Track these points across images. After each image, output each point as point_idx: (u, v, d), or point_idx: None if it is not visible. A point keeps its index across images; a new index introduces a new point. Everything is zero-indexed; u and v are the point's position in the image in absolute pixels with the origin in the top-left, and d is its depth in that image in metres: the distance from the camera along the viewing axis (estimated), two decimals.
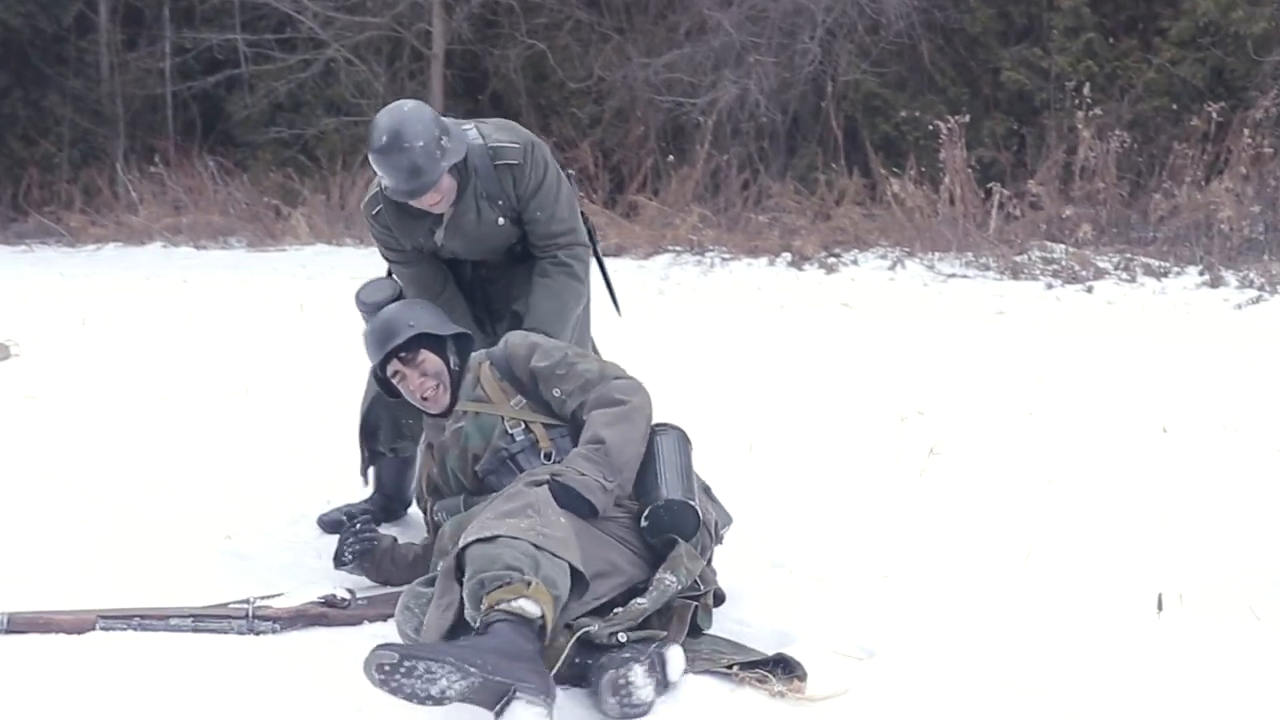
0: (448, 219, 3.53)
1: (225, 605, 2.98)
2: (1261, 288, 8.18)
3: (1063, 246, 9.43)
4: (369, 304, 3.61)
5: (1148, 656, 2.71)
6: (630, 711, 2.45)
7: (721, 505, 3.15)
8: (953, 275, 9.19)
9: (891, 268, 9.50)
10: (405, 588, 2.88)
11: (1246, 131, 9.23)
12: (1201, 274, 8.63)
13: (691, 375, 5.62)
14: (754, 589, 3.12)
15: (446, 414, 3.22)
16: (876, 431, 4.76)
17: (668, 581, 2.74)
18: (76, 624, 2.88)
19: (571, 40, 12.90)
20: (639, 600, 2.70)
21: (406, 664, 2.33)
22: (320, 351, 6.21)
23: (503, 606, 2.46)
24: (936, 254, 9.66)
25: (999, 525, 3.67)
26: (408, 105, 3.43)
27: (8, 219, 13.95)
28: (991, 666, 2.64)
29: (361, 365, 3.55)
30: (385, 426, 3.68)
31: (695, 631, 2.78)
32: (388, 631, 2.83)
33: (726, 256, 10.29)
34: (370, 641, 2.77)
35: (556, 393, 3.10)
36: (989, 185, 9.99)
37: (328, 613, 2.99)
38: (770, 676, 2.56)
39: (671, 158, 11.59)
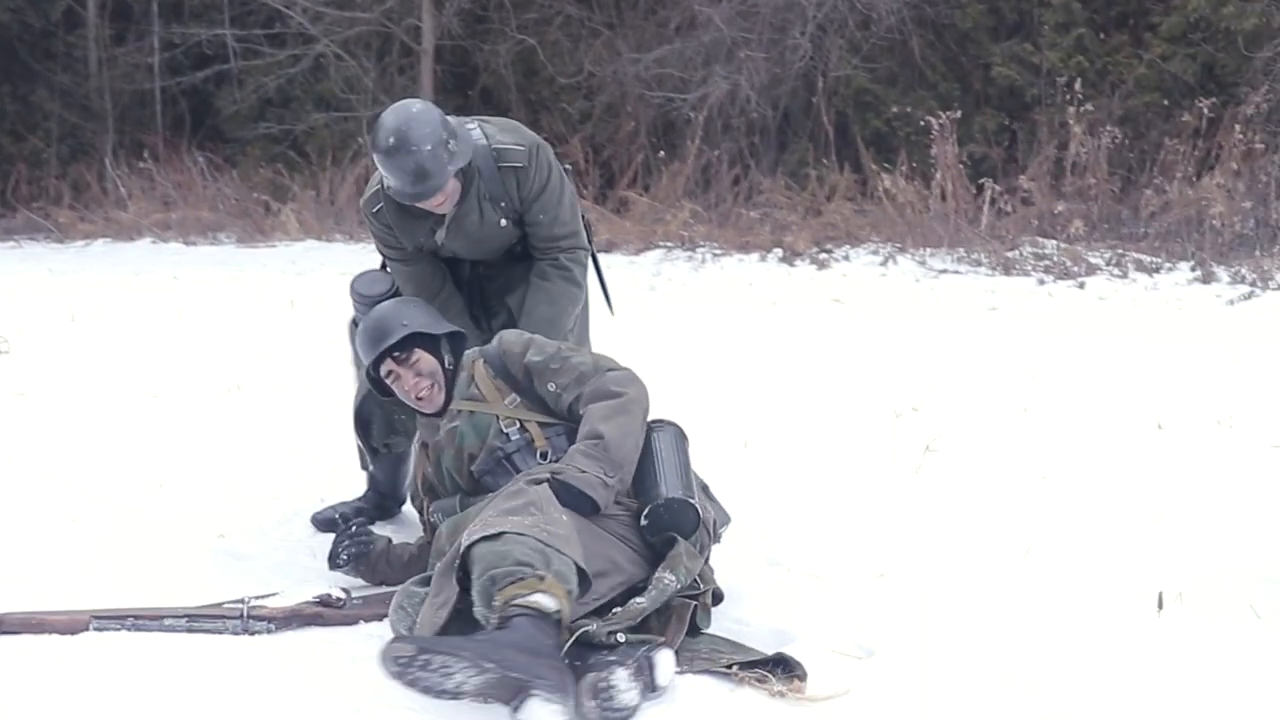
0: (450, 219, 3.50)
1: (220, 605, 2.96)
2: (1253, 283, 8.19)
3: (1054, 242, 9.43)
4: (365, 296, 3.58)
5: (1148, 654, 2.70)
6: (610, 715, 2.40)
7: (720, 504, 3.14)
8: (944, 271, 9.19)
9: (883, 263, 9.49)
10: (399, 587, 2.86)
11: (1238, 127, 9.23)
12: (1193, 270, 8.64)
13: (683, 372, 5.59)
14: (751, 587, 3.11)
15: (441, 413, 3.19)
16: (871, 428, 4.76)
17: (667, 580, 2.73)
18: (70, 624, 2.85)
19: (562, 35, 12.88)
20: (638, 600, 2.69)
21: (423, 657, 2.32)
22: (311, 347, 6.17)
23: (519, 601, 2.43)
24: (928, 250, 9.66)
25: (996, 522, 3.66)
26: (416, 106, 3.36)
27: None
28: (992, 665, 2.64)
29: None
30: (378, 422, 3.64)
31: (694, 631, 2.77)
32: (384, 631, 2.80)
33: (718, 252, 10.27)
34: (366, 641, 2.76)
35: (551, 387, 3.09)
36: (980, 181, 9.98)
37: (323, 612, 2.97)
38: (770, 676, 2.54)
39: (662, 153, 11.55)
